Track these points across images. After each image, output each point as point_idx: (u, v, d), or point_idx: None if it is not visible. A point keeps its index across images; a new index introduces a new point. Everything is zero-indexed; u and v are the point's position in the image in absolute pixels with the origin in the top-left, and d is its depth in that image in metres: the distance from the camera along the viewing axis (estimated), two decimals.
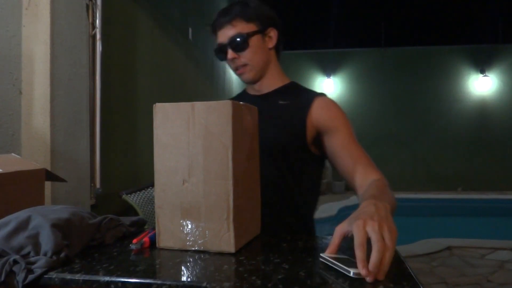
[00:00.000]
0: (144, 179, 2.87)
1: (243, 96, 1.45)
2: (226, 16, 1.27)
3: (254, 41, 1.27)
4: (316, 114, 1.25)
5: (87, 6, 2.02)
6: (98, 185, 2.18)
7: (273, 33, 1.32)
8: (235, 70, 1.31)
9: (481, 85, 8.49)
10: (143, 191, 2.38)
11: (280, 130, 1.26)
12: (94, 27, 2.13)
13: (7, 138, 1.60)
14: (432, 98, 8.61)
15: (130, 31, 2.92)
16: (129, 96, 2.89)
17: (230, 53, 1.26)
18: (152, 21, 3.28)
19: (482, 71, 8.46)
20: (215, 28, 1.30)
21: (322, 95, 1.31)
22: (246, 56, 1.27)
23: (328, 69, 8.91)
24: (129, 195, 2.25)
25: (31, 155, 1.64)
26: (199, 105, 0.90)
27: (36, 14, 1.66)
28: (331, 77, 8.90)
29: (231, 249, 0.88)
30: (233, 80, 6.13)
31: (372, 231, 0.71)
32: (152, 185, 2.42)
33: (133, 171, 2.91)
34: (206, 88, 4.80)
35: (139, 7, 3.03)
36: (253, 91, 1.40)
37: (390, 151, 8.57)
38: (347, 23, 9.30)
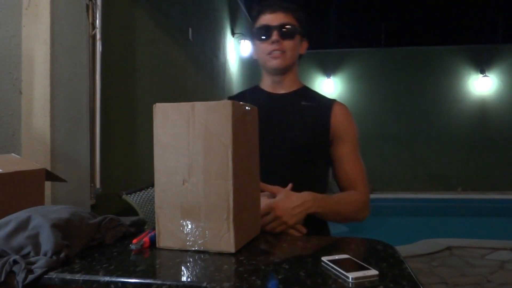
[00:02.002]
0: (144, 179, 2.87)
1: (257, 92, 1.45)
2: (281, 5, 1.33)
3: (297, 38, 1.35)
4: (337, 119, 1.34)
5: (87, 6, 2.02)
6: (98, 185, 2.18)
7: (305, 45, 1.41)
8: (270, 53, 1.33)
9: (481, 85, 8.49)
10: (143, 191, 2.38)
11: (307, 129, 1.32)
12: (94, 27, 2.13)
13: (7, 138, 1.60)
14: (432, 98, 8.61)
15: (130, 31, 2.92)
16: (129, 96, 2.89)
17: (276, 35, 1.30)
18: (152, 21, 3.28)
19: (482, 71, 8.45)
20: (265, 10, 1.34)
21: (338, 101, 1.40)
22: (289, 44, 1.32)
23: (328, 69, 8.91)
24: (129, 195, 2.25)
25: (31, 155, 1.64)
26: (199, 105, 0.90)
27: (36, 14, 1.66)
28: (331, 77, 8.89)
29: (231, 249, 0.88)
30: (233, 80, 6.13)
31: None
32: (152, 185, 2.42)
33: (133, 171, 2.91)
34: (206, 88, 4.80)
35: (139, 7, 3.03)
36: (271, 88, 1.42)
37: (390, 151, 8.57)
38: (347, 23, 9.30)
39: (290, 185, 1.18)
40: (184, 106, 0.92)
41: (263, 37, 1.33)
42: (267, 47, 1.33)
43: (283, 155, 1.29)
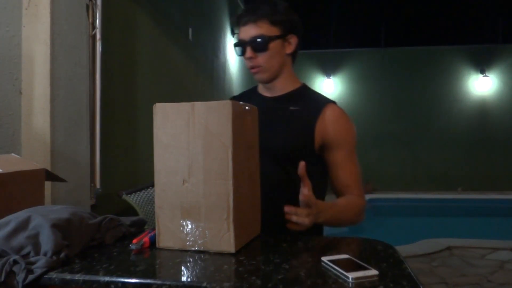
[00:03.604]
0: (144, 179, 2.87)
1: (253, 94, 1.44)
2: (252, 14, 1.27)
3: (274, 45, 1.28)
4: (324, 125, 1.29)
5: (87, 6, 2.02)
6: (98, 185, 2.17)
7: (293, 40, 1.33)
8: (250, 68, 1.32)
9: (481, 85, 8.48)
10: (143, 191, 2.38)
11: (289, 136, 1.29)
12: (94, 27, 2.13)
13: (7, 138, 1.60)
14: (432, 98, 8.60)
15: (130, 31, 2.92)
16: (129, 96, 2.89)
17: (249, 52, 1.28)
18: (152, 21, 3.28)
19: (482, 71, 8.45)
20: (239, 23, 1.31)
21: (332, 102, 1.35)
22: (263, 58, 1.28)
23: (328, 69, 8.90)
24: (129, 195, 2.25)
25: (31, 155, 1.64)
26: (199, 105, 0.90)
27: (36, 14, 1.66)
28: (331, 77, 8.89)
29: (231, 249, 0.88)
30: (233, 80, 6.13)
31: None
32: (152, 185, 2.41)
33: (133, 171, 2.91)
34: (206, 88, 4.80)
35: (139, 7, 3.03)
36: (264, 91, 1.41)
37: (390, 151, 8.57)
38: (347, 23, 9.29)
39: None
40: (184, 106, 0.91)
41: (240, 54, 1.32)
42: (246, 62, 1.32)
43: (268, 161, 1.24)
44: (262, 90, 1.41)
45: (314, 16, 9.50)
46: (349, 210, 1.25)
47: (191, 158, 0.91)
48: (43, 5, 1.66)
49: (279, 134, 1.30)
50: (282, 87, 1.37)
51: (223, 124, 0.88)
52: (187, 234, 0.91)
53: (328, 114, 1.30)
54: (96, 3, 2.11)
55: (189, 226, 0.91)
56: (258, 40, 1.26)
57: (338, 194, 1.32)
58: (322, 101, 1.34)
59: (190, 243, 0.91)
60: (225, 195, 0.88)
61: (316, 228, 1.33)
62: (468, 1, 8.83)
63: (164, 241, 0.93)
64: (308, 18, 9.55)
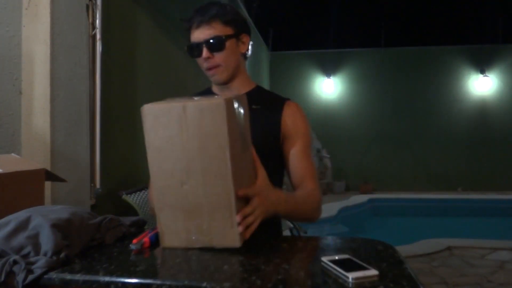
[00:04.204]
0: (144, 179, 2.87)
1: (208, 94, 1.44)
2: (204, 16, 1.29)
3: (230, 44, 1.30)
4: (286, 119, 1.34)
5: (87, 6, 2.02)
6: (98, 185, 2.17)
7: (245, 39, 1.36)
8: (207, 69, 1.33)
9: (481, 85, 8.49)
10: (143, 191, 2.38)
11: (257, 134, 1.30)
12: (94, 27, 2.13)
13: (7, 138, 1.60)
14: (432, 98, 8.61)
15: (130, 31, 2.92)
16: (129, 96, 2.89)
17: (205, 52, 1.29)
18: (152, 21, 3.28)
19: (482, 71, 8.45)
20: (191, 25, 1.32)
21: (290, 100, 1.39)
22: (221, 57, 1.30)
23: (328, 69, 8.90)
24: (129, 195, 2.25)
25: (31, 155, 1.64)
26: (191, 106, 0.88)
27: (36, 14, 1.66)
28: (331, 77, 8.89)
29: (237, 244, 0.88)
30: None
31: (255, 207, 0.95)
32: None
33: (133, 171, 2.91)
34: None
35: (139, 7, 3.03)
36: (220, 92, 1.41)
37: (390, 151, 8.57)
38: (347, 23, 9.29)
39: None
40: (175, 108, 0.89)
41: (195, 56, 1.33)
42: (202, 64, 1.33)
43: None
44: (218, 91, 1.41)
45: (314, 16, 9.51)
46: (307, 203, 1.25)
47: (187, 160, 0.89)
48: (43, 5, 1.66)
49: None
50: (238, 87, 1.38)
51: (218, 125, 0.87)
52: (191, 233, 0.91)
53: (289, 109, 1.35)
54: (96, 3, 2.11)
55: (193, 226, 0.91)
56: (214, 40, 1.28)
57: (295, 186, 1.34)
58: (281, 99, 1.39)
59: (195, 241, 0.91)
60: (226, 194, 0.88)
61: (274, 227, 1.34)
62: (468, 1, 8.83)
63: (168, 241, 0.93)
64: (308, 18, 9.56)
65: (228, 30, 1.30)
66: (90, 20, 2.10)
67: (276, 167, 1.36)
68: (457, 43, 8.69)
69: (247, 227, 0.91)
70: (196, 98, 0.92)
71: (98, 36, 2.14)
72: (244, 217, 0.91)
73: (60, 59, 1.72)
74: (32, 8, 1.66)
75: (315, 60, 8.94)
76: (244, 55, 1.39)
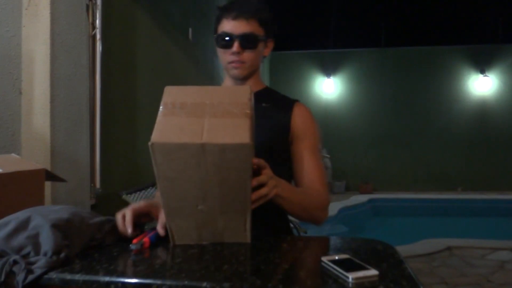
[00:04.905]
0: (144, 179, 2.87)
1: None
2: (244, 11, 1.27)
3: (260, 46, 1.31)
4: (295, 120, 1.33)
5: (87, 6, 2.02)
6: (98, 185, 2.18)
7: (270, 44, 1.37)
8: (230, 62, 1.31)
9: (481, 85, 8.49)
10: (143, 191, 2.38)
11: (266, 131, 1.30)
12: (94, 27, 2.13)
13: (7, 138, 1.60)
14: (432, 98, 8.61)
15: (130, 31, 2.92)
16: (129, 96, 2.89)
17: (237, 47, 1.27)
18: (152, 21, 3.28)
19: (482, 71, 8.45)
20: (228, 15, 1.29)
21: (299, 101, 1.39)
22: (249, 55, 1.29)
23: (328, 69, 8.91)
24: (129, 195, 2.25)
25: (31, 155, 1.64)
26: (212, 147, 0.78)
27: (36, 14, 1.66)
28: (331, 77, 8.89)
29: (247, 240, 0.93)
30: None
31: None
32: (152, 185, 2.42)
33: (133, 171, 2.91)
34: None
35: (139, 7, 3.03)
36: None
37: (390, 151, 8.57)
38: (347, 23, 9.29)
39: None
40: (192, 146, 0.78)
41: (224, 46, 1.30)
42: (227, 56, 1.30)
43: None
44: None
45: (314, 16, 9.51)
46: (313, 198, 1.22)
47: (205, 189, 0.84)
48: (43, 5, 1.66)
49: (258, 130, 1.30)
50: (252, 86, 1.38)
51: (241, 162, 0.80)
52: (202, 236, 0.93)
53: (299, 110, 1.35)
54: (96, 3, 2.12)
55: (205, 232, 0.92)
56: (250, 37, 1.26)
57: (300, 184, 1.31)
58: (290, 100, 1.39)
59: (207, 239, 0.93)
60: (243, 207, 0.88)
61: (284, 227, 1.34)
62: (468, 1, 8.83)
63: (179, 240, 0.94)
64: (308, 18, 9.56)
65: (261, 32, 1.29)
66: (90, 20, 2.10)
67: (284, 166, 1.34)
68: (457, 43, 8.69)
69: (261, 198, 0.93)
70: (215, 102, 0.85)
71: (98, 36, 2.14)
72: (258, 187, 0.91)
73: (60, 59, 1.72)
74: (32, 8, 1.66)
75: (315, 60, 8.94)
76: (264, 58, 1.39)
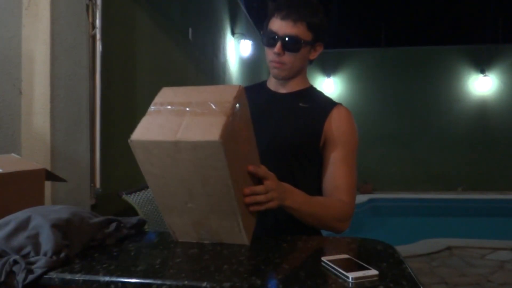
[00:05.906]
0: (144, 179, 2.87)
1: (262, 89, 1.43)
2: (293, 12, 1.23)
3: (304, 49, 1.28)
4: (330, 124, 1.28)
5: (87, 6, 2.02)
6: (98, 185, 2.17)
7: (319, 48, 1.34)
8: (272, 61, 1.30)
9: (481, 85, 8.48)
10: (143, 191, 2.37)
11: (297, 132, 1.28)
12: (94, 27, 2.13)
13: (7, 138, 1.60)
14: (432, 98, 8.61)
15: (130, 31, 2.92)
16: (129, 96, 2.89)
17: (278, 48, 1.25)
18: (152, 21, 3.28)
19: (482, 71, 8.45)
20: (278, 13, 1.26)
21: (340, 104, 1.34)
22: (290, 58, 1.27)
23: (328, 69, 8.91)
24: (129, 195, 2.25)
25: (31, 155, 1.64)
26: (184, 144, 0.79)
27: (36, 14, 1.66)
28: (331, 77, 8.89)
29: (246, 242, 0.92)
30: (233, 80, 6.13)
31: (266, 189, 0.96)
32: None
33: (133, 171, 2.89)
34: None
35: (139, 7, 3.03)
36: (275, 86, 1.39)
37: (390, 151, 8.57)
38: (347, 23, 9.30)
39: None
40: (166, 144, 0.80)
41: (268, 44, 1.28)
42: (270, 54, 1.29)
43: (273, 156, 1.21)
44: (272, 86, 1.40)
45: None
46: (331, 209, 1.18)
47: (189, 186, 0.86)
48: (43, 5, 1.66)
49: (287, 128, 1.29)
50: (294, 85, 1.36)
51: (215, 160, 0.80)
52: (202, 235, 0.94)
53: (337, 114, 1.30)
54: (96, 3, 2.11)
55: (202, 230, 0.94)
56: (293, 40, 1.24)
57: (326, 194, 1.27)
58: (331, 102, 1.34)
59: (206, 239, 0.95)
60: (231, 208, 0.88)
61: (312, 228, 1.33)
62: (468, 1, 8.83)
63: (180, 238, 0.97)
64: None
65: (308, 36, 1.26)
66: (90, 20, 2.10)
67: (312, 169, 1.30)
68: (457, 43, 8.69)
69: (256, 205, 0.93)
70: (196, 103, 0.85)
71: (98, 36, 2.14)
72: (253, 194, 0.92)
73: (60, 59, 1.72)
74: (32, 8, 1.66)
75: (315, 60, 8.92)
76: (311, 61, 1.36)
